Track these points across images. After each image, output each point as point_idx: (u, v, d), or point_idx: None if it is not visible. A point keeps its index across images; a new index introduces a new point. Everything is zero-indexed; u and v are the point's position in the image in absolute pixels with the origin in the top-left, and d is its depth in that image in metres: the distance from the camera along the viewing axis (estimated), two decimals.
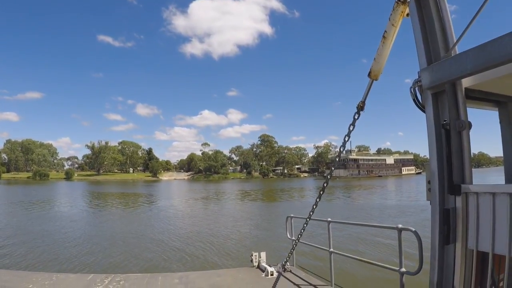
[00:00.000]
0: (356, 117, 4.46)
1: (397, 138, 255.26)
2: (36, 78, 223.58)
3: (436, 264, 3.11)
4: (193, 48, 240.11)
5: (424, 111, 3.23)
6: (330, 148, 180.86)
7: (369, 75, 3.97)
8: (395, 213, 27.07)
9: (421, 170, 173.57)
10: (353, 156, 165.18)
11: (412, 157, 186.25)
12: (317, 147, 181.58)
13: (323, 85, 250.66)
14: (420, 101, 3.27)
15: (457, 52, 2.97)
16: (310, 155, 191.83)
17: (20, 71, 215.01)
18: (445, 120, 3.05)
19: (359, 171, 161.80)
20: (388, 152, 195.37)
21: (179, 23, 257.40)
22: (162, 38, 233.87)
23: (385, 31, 3.53)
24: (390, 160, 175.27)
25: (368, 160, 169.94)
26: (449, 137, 3.02)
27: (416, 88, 3.27)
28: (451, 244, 3.02)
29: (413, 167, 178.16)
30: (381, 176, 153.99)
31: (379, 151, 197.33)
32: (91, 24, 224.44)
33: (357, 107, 4.38)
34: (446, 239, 3.03)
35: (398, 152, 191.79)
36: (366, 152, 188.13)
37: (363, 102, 4.32)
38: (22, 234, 19.79)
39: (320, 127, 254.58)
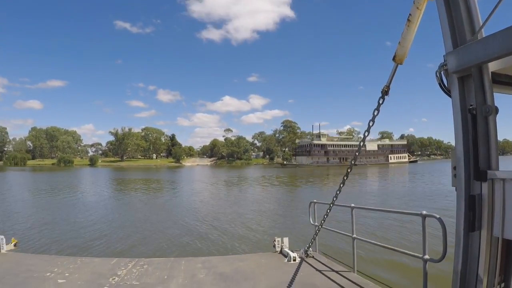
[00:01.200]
0: (380, 102, 4.41)
1: (420, 124, 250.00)
2: (57, 66, 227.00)
3: (461, 251, 3.07)
4: (211, 34, 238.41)
5: (450, 96, 3.16)
6: (353, 134, 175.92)
7: (393, 59, 3.91)
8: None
9: (417, 159, 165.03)
10: (319, 141, 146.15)
11: (405, 142, 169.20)
12: (340, 133, 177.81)
13: (345, 70, 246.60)
14: (446, 85, 3.20)
15: (484, 35, 2.88)
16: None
17: (41, 59, 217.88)
18: (471, 105, 2.98)
19: (327, 158, 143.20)
20: (388, 136, 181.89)
21: (195, 8, 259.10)
22: (179, 23, 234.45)
23: (410, 14, 3.45)
24: (372, 146, 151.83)
25: (339, 146, 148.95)
26: (475, 122, 2.96)
27: (442, 72, 3.19)
28: (476, 231, 2.97)
29: (406, 155, 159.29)
30: (356, 164, 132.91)
31: (402, 137, 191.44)
32: (107, 9, 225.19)
33: (381, 92, 4.33)
34: (471, 226, 2.98)
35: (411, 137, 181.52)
36: (351, 137, 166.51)
37: (388, 87, 4.26)
38: (47, 219, 20.29)
39: (343, 112, 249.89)
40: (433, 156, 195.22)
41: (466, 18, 3.00)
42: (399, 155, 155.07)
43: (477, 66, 2.87)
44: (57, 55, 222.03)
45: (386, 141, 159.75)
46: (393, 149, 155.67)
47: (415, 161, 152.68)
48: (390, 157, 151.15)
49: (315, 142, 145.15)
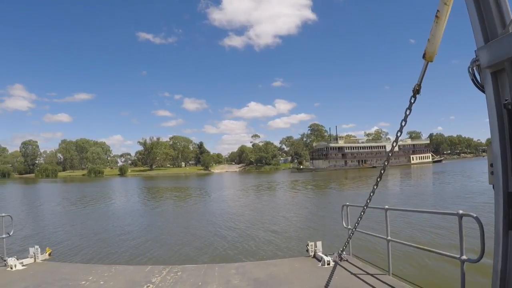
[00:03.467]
0: (412, 101, 4.38)
1: (448, 122, 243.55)
2: (84, 79, 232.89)
3: (500, 250, 2.99)
4: (233, 41, 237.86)
5: (483, 91, 3.10)
6: (381, 135, 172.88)
7: (423, 57, 3.87)
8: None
9: (442, 158, 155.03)
10: (336, 144, 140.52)
11: (428, 142, 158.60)
12: (368, 134, 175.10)
13: (370, 70, 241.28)
14: (479, 81, 3.15)
15: None
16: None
17: (67, 73, 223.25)
18: (506, 100, 2.91)
19: (345, 161, 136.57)
20: (417, 136, 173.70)
21: (215, 16, 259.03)
22: (200, 32, 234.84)
23: (438, 10, 3.41)
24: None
25: (358, 148, 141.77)
26: (511, 117, 2.89)
27: (474, 68, 3.14)
28: None
29: (429, 154, 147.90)
30: (375, 167, 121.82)
31: (430, 137, 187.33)
32: (130, 21, 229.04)
33: (412, 91, 4.29)
34: (511, 224, 2.90)
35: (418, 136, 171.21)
36: (354, 139, 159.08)
37: (419, 85, 4.22)
38: (81, 229, 20.80)
39: (370, 113, 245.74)
40: (463, 154, 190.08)
41: (496, 11, 2.93)
42: (422, 155, 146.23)
43: (510, 60, 2.80)
44: (83, 69, 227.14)
45: (408, 141, 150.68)
46: (415, 149, 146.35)
47: (440, 161, 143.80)
48: (412, 157, 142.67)
49: (332, 145, 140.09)
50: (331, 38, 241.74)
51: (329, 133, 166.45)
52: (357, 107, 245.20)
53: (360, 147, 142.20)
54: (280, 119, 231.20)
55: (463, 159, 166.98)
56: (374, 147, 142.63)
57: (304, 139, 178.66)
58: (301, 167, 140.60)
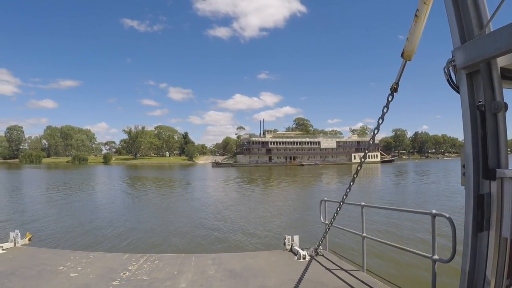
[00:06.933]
0: (390, 99, 4.38)
1: (434, 121, 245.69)
2: (69, 65, 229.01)
3: (469, 252, 3.02)
4: (217, 32, 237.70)
5: (458, 92, 3.10)
6: (367, 131, 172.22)
7: (402, 55, 3.86)
8: None
9: (393, 158, 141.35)
10: (259, 138, 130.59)
11: (377, 139, 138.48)
12: (353, 130, 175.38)
13: (358, 66, 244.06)
14: (455, 81, 3.14)
15: (492, 30, 2.81)
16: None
17: (52, 58, 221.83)
18: (479, 101, 2.91)
19: (270, 157, 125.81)
20: (402, 134, 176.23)
21: (199, 6, 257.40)
22: (184, 21, 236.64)
23: (417, 9, 3.40)
24: (328, 143, 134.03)
25: (286, 143, 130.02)
26: (484, 119, 2.88)
27: (450, 68, 3.13)
28: (484, 231, 2.91)
29: (377, 153, 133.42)
30: (303, 165, 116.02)
31: (416, 135, 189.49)
32: (114, 7, 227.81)
33: (390, 89, 4.32)
34: (480, 226, 2.92)
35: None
36: (282, 133, 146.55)
37: (397, 84, 4.24)
38: (62, 215, 20.56)
39: (356, 109, 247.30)
40: (447, 154, 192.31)
41: (473, 12, 2.93)
42: (368, 154, 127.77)
43: (485, 62, 2.80)
44: (67, 54, 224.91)
45: (354, 138, 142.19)
46: (360, 146, 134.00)
47: (390, 161, 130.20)
48: (354, 156, 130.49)
49: (254, 139, 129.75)
50: (319, 32, 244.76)
51: (313, 128, 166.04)
52: (343, 103, 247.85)
53: (289, 143, 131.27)
54: (265, 112, 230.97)
55: (447, 159, 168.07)
56: (306, 143, 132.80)
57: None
58: (220, 161, 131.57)
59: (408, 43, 3.69)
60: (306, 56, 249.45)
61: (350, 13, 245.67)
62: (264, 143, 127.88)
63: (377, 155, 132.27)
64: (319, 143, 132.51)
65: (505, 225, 2.77)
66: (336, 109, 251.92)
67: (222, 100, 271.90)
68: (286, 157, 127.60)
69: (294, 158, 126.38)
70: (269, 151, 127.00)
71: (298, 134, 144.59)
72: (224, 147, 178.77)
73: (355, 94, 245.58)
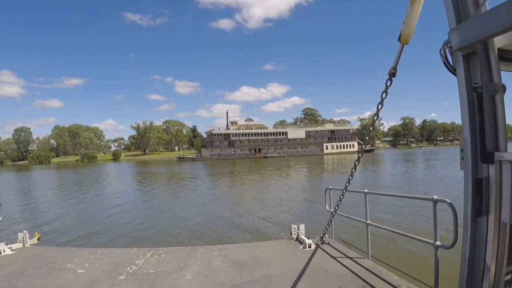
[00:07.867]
0: (388, 84, 4.34)
1: (443, 108, 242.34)
2: (73, 64, 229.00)
3: (468, 237, 2.97)
4: (220, 23, 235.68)
5: (455, 74, 3.02)
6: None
7: (399, 39, 3.80)
8: None
9: (373, 148, 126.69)
10: (221, 131, 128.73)
11: (352, 127, 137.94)
12: (361, 119, 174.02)
13: (365, 55, 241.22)
14: (451, 63, 3.07)
15: (488, 8, 2.73)
16: (355, 127, 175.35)
17: (56, 57, 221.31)
18: (476, 83, 2.83)
19: (233, 150, 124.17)
20: (410, 122, 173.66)
21: None
22: (187, 13, 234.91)
23: None
24: (297, 133, 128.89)
25: (249, 135, 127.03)
26: (482, 101, 2.81)
27: (447, 50, 3.06)
28: (483, 216, 2.85)
29: (354, 143, 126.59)
30: (266, 157, 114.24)
31: (424, 123, 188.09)
32: (114, 0, 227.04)
33: (388, 74, 4.27)
34: (479, 210, 2.85)
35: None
36: (248, 124, 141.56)
37: (395, 68, 4.20)
38: (72, 214, 20.69)
39: (364, 98, 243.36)
40: (456, 141, 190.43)
41: None
42: (343, 143, 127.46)
43: (481, 42, 2.72)
44: (71, 53, 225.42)
45: (327, 126, 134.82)
46: (335, 136, 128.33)
47: (370, 151, 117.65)
48: (327, 146, 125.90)
49: (216, 131, 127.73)
50: (326, 21, 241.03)
51: (322, 117, 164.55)
52: (351, 92, 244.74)
53: (252, 134, 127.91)
54: (273, 103, 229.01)
55: (455, 145, 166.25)
56: (271, 134, 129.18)
57: (298, 123, 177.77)
58: (183, 156, 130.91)
59: (405, 26, 3.63)
60: (313, 45, 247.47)
61: (357, 1, 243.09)
62: (227, 136, 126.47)
63: (353, 144, 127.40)
64: (285, 133, 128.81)
65: (504, 210, 2.71)
66: (344, 98, 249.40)
67: (229, 92, 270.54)
68: (250, 149, 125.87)
69: (259, 150, 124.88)
70: (231, 143, 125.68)
71: (262, 125, 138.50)
72: None
73: (363, 83, 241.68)
